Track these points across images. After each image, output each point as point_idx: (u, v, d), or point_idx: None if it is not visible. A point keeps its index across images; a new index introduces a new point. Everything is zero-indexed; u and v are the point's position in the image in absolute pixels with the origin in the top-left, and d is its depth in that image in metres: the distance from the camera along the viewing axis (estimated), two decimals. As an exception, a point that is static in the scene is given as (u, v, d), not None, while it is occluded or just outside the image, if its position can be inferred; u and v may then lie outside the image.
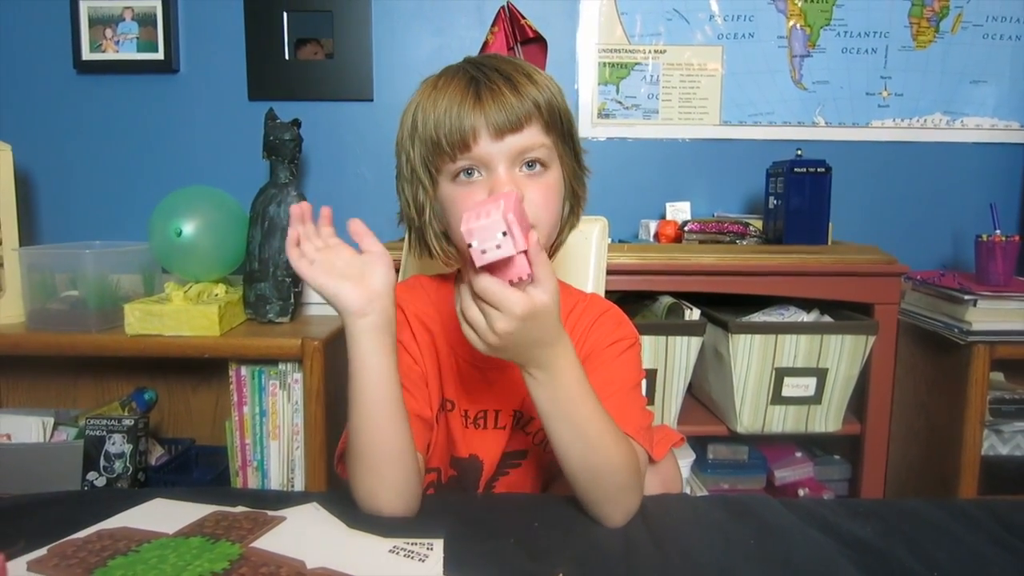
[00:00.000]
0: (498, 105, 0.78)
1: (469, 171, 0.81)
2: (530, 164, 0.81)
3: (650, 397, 1.51)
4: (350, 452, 0.78)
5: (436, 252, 0.88)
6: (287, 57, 1.82)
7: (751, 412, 1.53)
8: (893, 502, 0.88)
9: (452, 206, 0.82)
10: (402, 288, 0.96)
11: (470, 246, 0.65)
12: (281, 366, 1.54)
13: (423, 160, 0.83)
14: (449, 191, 0.82)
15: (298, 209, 0.79)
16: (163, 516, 0.74)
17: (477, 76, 0.80)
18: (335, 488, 1.54)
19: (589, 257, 1.22)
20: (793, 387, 1.52)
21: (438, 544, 0.69)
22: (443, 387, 0.92)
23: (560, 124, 0.83)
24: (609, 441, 0.76)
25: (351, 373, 0.77)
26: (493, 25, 1.55)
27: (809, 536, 0.75)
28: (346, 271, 0.77)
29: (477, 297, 0.69)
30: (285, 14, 1.80)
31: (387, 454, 0.77)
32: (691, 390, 1.67)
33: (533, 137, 0.80)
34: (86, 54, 1.78)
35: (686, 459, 1.64)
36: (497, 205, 0.65)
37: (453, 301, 0.91)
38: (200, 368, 1.78)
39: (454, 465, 0.93)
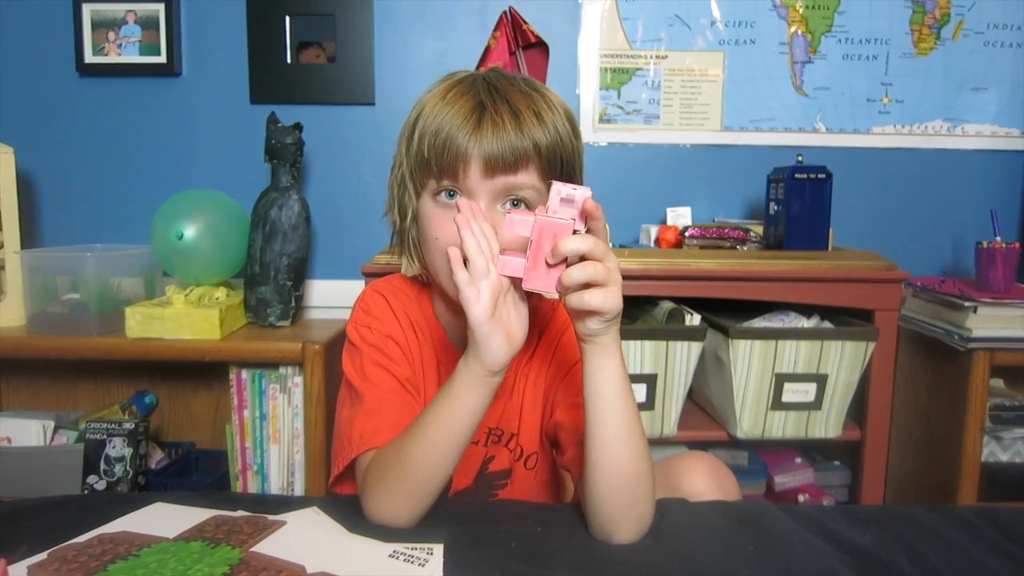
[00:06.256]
0: (496, 139, 0.75)
1: (451, 193, 0.79)
2: (515, 202, 0.78)
3: (650, 402, 1.51)
4: (393, 475, 0.76)
5: (411, 256, 0.87)
6: (289, 61, 1.82)
7: (751, 418, 1.53)
8: (893, 509, 0.88)
9: (427, 223, 0.81)
10: (384, 284, 0.94)
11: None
12: (282, 370, 1.55)
13: (411, 170, 0.82)
14: (428, 208, 0.81)
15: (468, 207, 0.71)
16: (163, 520, 0.74)
17: (485, 101, 0.77)
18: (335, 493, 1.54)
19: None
20: (793, 393, 1.52)
21: (438, 549, 0.69)
22: (425, 392, 0.90)
23: (560, 169, 0.79)
24: (644, 442, 0.75)
25: (440, 406, 0.74)
26: (495, 30, 1.55)
27: (809, 542, 0.75)
28: (502, 312, 0.70)
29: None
30: (287, 18, 1.80)
31: (437, 487, 0.76)
32: (691, 395, 1.67)
33: (525, 179, 0.77)
34: (89, 57, 1.79)
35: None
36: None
37: (434, 308, 0.92)
38: (201, 372, 1.78)
39: None
